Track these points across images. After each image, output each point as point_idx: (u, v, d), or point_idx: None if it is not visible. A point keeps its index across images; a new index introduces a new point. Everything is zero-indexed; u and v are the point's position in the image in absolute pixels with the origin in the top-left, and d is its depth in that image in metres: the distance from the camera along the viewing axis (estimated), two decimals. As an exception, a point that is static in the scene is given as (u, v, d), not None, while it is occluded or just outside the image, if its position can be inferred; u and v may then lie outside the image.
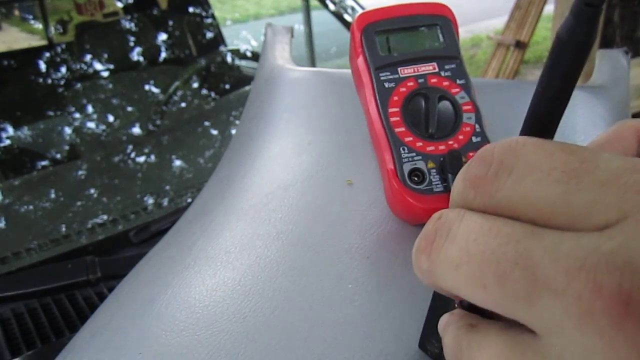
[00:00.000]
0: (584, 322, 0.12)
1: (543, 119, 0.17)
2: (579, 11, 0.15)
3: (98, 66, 1.34)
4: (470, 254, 0.15)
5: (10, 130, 1.16)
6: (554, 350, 0.13)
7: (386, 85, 0.34)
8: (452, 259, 0.15)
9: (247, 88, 1.28)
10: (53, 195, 1.03)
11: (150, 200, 0.99)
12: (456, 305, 0.19)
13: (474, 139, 0.33)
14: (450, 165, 0.31)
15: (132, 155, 1.15)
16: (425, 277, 0.17)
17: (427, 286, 0.18)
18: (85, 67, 1.33)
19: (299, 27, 1.72)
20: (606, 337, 0.12)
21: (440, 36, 0.35)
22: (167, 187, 1.04)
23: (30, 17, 1.40)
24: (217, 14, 1.60)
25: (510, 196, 0.15)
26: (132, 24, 1.44)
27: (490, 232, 0.14)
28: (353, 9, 1.42)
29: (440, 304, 0.23)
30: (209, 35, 1.55)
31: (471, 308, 0.18)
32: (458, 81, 0.34)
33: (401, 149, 0.32)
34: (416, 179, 0.32)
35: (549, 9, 3.20)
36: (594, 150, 0.15)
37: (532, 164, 0.14)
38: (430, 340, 0.25)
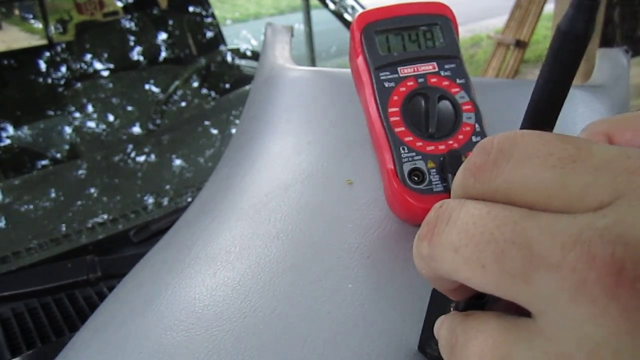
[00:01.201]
0: (578, 292, 0.13)
1: (543, 112, 0.18)
2: (579, 4, 0.16)
3: (98, 65, 1.34)
4: (469, 236, 0.15)
5: (11, 130, 1.16)
6: (549, 327, 0.14)
7: (386, 84, 0.34)
8: (452, 242, 0.15)
9: (247, 87, 1.28)
10: (53, 195, 1.03)
11: (151, 200, 0.99)
12: (452, 308, 0.19)
13: (474, 139, 0.33)
14: (450, 165, 0.31)
15: (132, 154, 1.15)
16: (426, 264, 0.17)
17: (426, 278, 0.18)
18: (85, 67, 1.33)
19: (299, 27, 1.72)
20: (599, 306, 0.12)
21: (440, 36, 0.35)
22: (167, 187, 1.04)
23: (30, 16, 1.40)
24: (217, 13, 1.60)
25: (508, 181, 0.15)
26: (132, 24, 1.44)
27: (489, 215, 0.15)
28: (353, 8, 1.42)
29: (438, 307, 0.23)
30: (209, 34, 1.55)
31: (467, 309, 0.18)
32: (458, 81, 0.34)
33: (401, 148, 0.32)
34: (416, 178, 0.32)
35: (549, 8, 3.20)
36: (589, 139, 0.15)
37: (530, 151, 0.15)
38: (429, 344, 0.25)
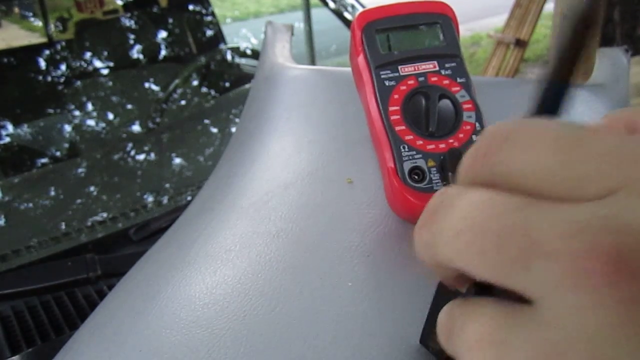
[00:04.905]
0: (578, 281, 0.13)
1: (550, 100, 0.18)
2: None
3: (98, 64, 1.34)
4: (470, 222, 0.15)
5: (10, 128, 1.16)
6: (547, 313, 0.13)
7: (386, 83, 0.34)
8: (453, 227, 0.15)
9: (247, 86, 1.28)
10: (53, 193, 1.03)
11: (150, 198, 0.99)
12: None
13: (475, 138, 0.33)
14: (450, 164, 0.31)
15: (132, 153, 1.15)
16: (426, 250, 0.17)
17: (426, 264, 0.17)
18: (85, 65, 1.33)
19: (299, 25, 1.72)
20: (598, 295, 0.12)
21: (441, 34, 0.35)
22: (167, 185, 1.04)
23: (30, 14, 1.40)
24: (217, 11, 1.60)
25: (511, 167, 0.15)
26: (132, 22, 1.44)
27: (490, 202, 0.15)
28: (353, 7, 1.42)
29: (443, 298, 0.23)
30: (209, 33, 1.55)
31: None
32: (458, 80, 0.34)
33: (401, 147, 0.32)
34: (416, 177, 0.32)
35: (550, 7, 3.19)
36: (595, 127, 0.15)
37: (534, 138, 0.15)
38: (431, 336, 0.25)
